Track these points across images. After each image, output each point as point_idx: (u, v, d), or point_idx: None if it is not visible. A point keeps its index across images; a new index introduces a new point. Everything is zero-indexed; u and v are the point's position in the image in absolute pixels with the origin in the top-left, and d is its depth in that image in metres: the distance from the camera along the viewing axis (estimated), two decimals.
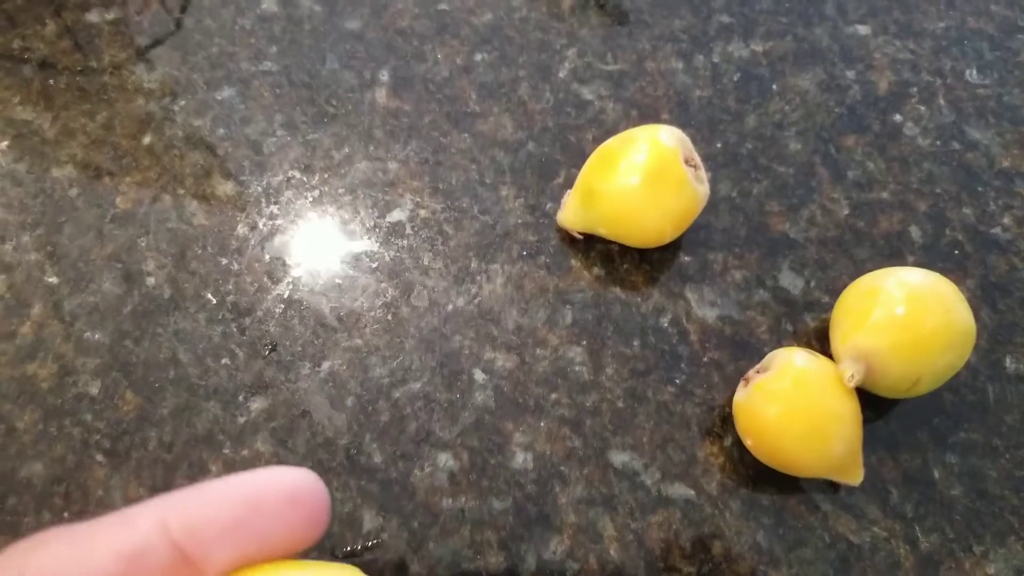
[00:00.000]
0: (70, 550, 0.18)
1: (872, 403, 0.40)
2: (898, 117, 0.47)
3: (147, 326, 0.42)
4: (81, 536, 0.18)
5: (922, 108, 0.47)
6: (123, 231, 0.44)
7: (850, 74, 0.48)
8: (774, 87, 0.48)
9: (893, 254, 0.44)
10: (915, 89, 0.48)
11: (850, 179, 0.46)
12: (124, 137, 0.46)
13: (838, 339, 0.39)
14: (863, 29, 0.49)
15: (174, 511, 0.18)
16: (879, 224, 0.45)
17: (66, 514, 0.39)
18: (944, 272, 0.43)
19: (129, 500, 0.42)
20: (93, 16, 0.50)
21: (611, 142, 0.42)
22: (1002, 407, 0.41)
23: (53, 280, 0.43)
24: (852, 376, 0.37)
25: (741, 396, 0.39)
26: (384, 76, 0.48)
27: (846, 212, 0.45)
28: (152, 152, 0.46)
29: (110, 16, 0.50)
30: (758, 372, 0.39)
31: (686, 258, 0.44)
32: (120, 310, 0.43)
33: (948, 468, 0.40)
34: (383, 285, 0.43)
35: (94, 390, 0.41)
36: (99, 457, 0.40)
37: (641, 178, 0.39)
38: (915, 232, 0.44)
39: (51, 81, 0.48)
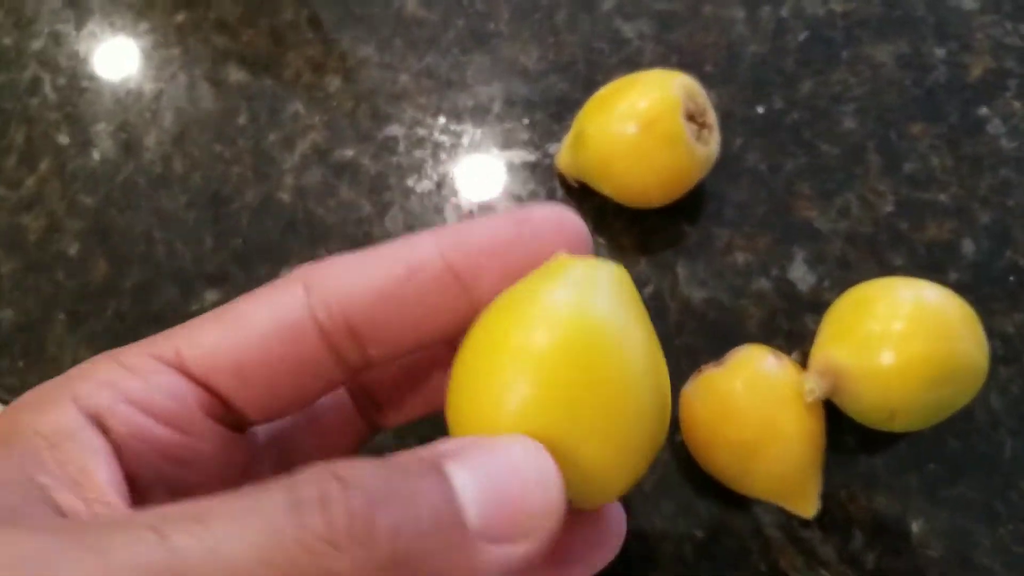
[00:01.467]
0: (355, 263, 0.20)
1: (858, 430, 0.34)
2: (984, 110, 0.40)
3: (133, 198, 0.43)
4: (363, 255, 0.20)
5: (1016, 104, 0.40)
6: (136, 103, 0.45)
7: (940, 52, 0.41)
8: (844, 54, 0.41)
9: (934, 266, 0.38)
10: (1014, 82, 0.40)
11: (905, 172, 0.39)
12: (160, 12, 0.47)
13: (815, 348, 0.34)
14: (970, 3, 0.42)
15: (449, 237, 0.20)
16: (926, 229, 0.38)
17: (21, 363, 0.40)
18: (990, 299, 0.37)
19: (76, 362, 0.42)
20: None
21: (616, 82, 0.38)
22: (1019, 469, 0.35)
23: (64, 140, 0.44)
24: (811, 391, 0.32)
25: (688, 389, 0.34)
26: None
27: (889, 209, 0.39)
28: (182, 31, 0.46)
29: None
30: (716, 365, 0.34)
31: (687, 228, 0.39)
32: (114, 178, 0.43)
33: (931, 524, 0.34)
34: (361, 200, 0.41)
35: (72, 251, 0.42)
36: (61, 316, 0.41)
37: (630, 126, 0.35)
38: (967, 246, 0.38)
39: None
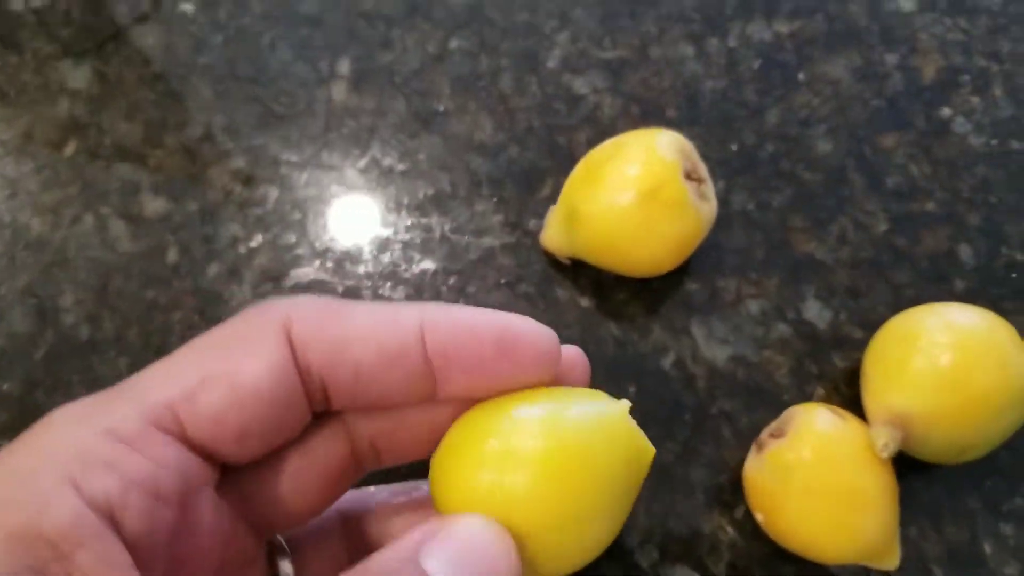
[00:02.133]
0: (338, 333, 0.19)
1: (908, 461, 0.33)
2: (946, 111, 0.40)
3: (61, 373, 0.37)
4: (349, 316, 0.20)
5: (975, 100, 0.40)
6: (38, 259, 0.38)
7: (891, 59, 0.41)
8: (800, 76, 0.40)
9: (939, 278, 0.37)
10: (967, 77, 0.40)
11: (889, 187, 0.38)
12: (44, 146, 0.40)
13: (870, 395, 0.32)
14: (907, 4, 0.42)
15: (434, 329, 0.20)
16: (923, 241, 0.38)
17: None
18: (999, 299, 0.36)
19: None
20: (16, 4, 0.43)
21: (599, 151, 0.35)
22: None
23: None
24: (886, 446, 0.30)
25: (752, 465, 0.32)
26: (343, 68, 0.41)
27: (884, 227, 0.38)
28: (74, 164, 0.40)
29: (35, 4, 0.43)
30: (773, 436, 0.32)
31: (692, 285, 0.37)
32: (31, 354, 0.37)
33: (1002, 542, 0.34)
34: None
35: None
36: None
37: (631, 198, 0.33)
38: (965, 251, 0.37)
39: None
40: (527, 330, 0.21)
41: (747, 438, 0.35)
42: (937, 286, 0.37)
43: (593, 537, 0.21)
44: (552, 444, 0.19)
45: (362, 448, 0.23)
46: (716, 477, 0.35)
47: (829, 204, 0.38)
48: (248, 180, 0.39)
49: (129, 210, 0.39)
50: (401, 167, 0.39)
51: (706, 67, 0.41)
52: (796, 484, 0.30)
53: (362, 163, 0.40)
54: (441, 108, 0.40)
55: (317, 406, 0.21)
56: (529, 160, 0.39)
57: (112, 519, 0.16)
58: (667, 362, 0.36)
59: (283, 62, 0.42)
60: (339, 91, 0.41)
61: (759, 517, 0.32)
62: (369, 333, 0.20)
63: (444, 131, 0.40)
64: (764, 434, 0.33)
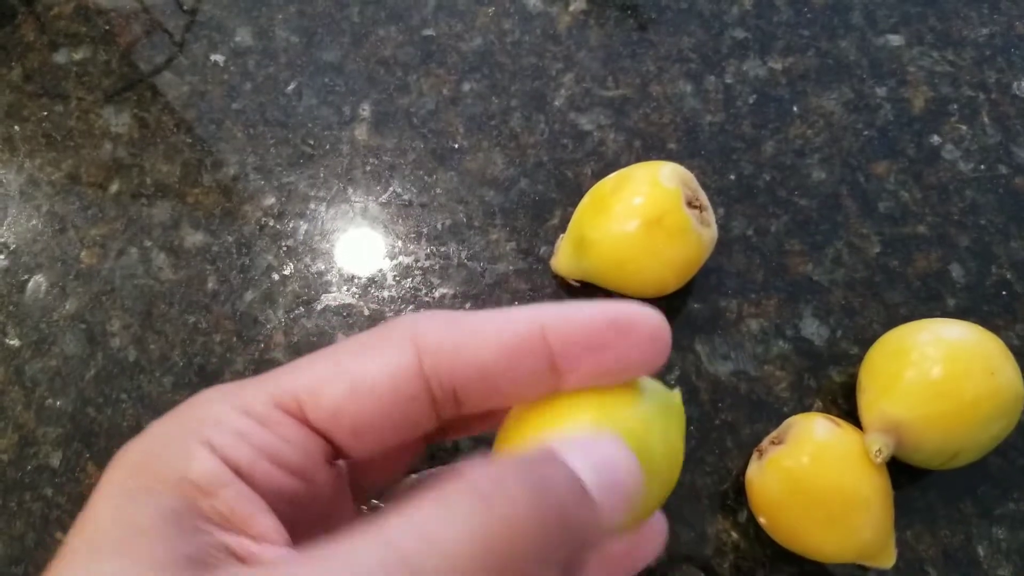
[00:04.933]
0: (464, 337, 0.20)
1: (905, 469, 0.35)
2: (936, 139, 0.43)
3: (110, 392, 0.40)
4: (471, 325, 0.21)
5: (963, 128, 0.43)
6: (87, 288, 0.42)
7: (881, 91, 0.44)
8: (795, 109, 0.44)
9: (931, 297, 0.40)
10: (955, 106, 0.43)
11: (881, 211, 0.41)
12: (90, 186, 0.44)
13: (865, 405, 0.35)
14: (895, 40, 0.45)
15: (553, 321, 0.21)
16: (915, 263, 0.40)
17: None
18: (990, 316, 0.39)
19: None
20: (61, 56, 0.48)
21: (605, 182, 0.38)
22: None
23: (14, 343, 0.41)
24: (879, 451, 0.33)
25: (754, 471, 0.35)
26: (365, 111, 0.45)
27: (877, 250, 0.41)
28: (119, 201, 0.44)
29: (78, 56, 0.47)
30: (773, 443, 0.35)
31: (696, 306, 0.40)
32: (83, 375, 0.40)
33: (995, 544, 0.36)
34: None
35: (55, 462, 0.39)
36: (59, 535, 0.38)
37: (637, 226, 0.36)
38: (956, 271, 0.40)
39: (16, 128, 0.46)
40: (640, 313, 0.22)
41: (749, 447, 0.37)
42: (929, 305, 0.40)
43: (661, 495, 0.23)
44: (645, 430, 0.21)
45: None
46: (720, 484, 0.37)
47: (824, 228, 0.41)
48: (280, 215, 0.43)
49: (170, 243, 0.43)
50: (420, 200, 0.43)
51: (704, 103, 0.44)
52: (796, 488, 0.33)
53: (384, 197, 0.43)
54: (456, 146, 0.44)
55: (447, 410, 0.21)
56: (539, 192, 0.43)
57: (246, 477, 0.19)
58: (672, 377, 0.39)
59: (309, 107, 0.45)
60: (361, 132, 0.44)
61: (761, 520, 0.35)
62: (492, 333, 0.21)
63: (459, 167, 0.43)
64: (765, 442, 0.35)
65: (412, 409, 0.21)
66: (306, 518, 0.21)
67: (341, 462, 0.23)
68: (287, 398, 0.20)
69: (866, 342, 0.38)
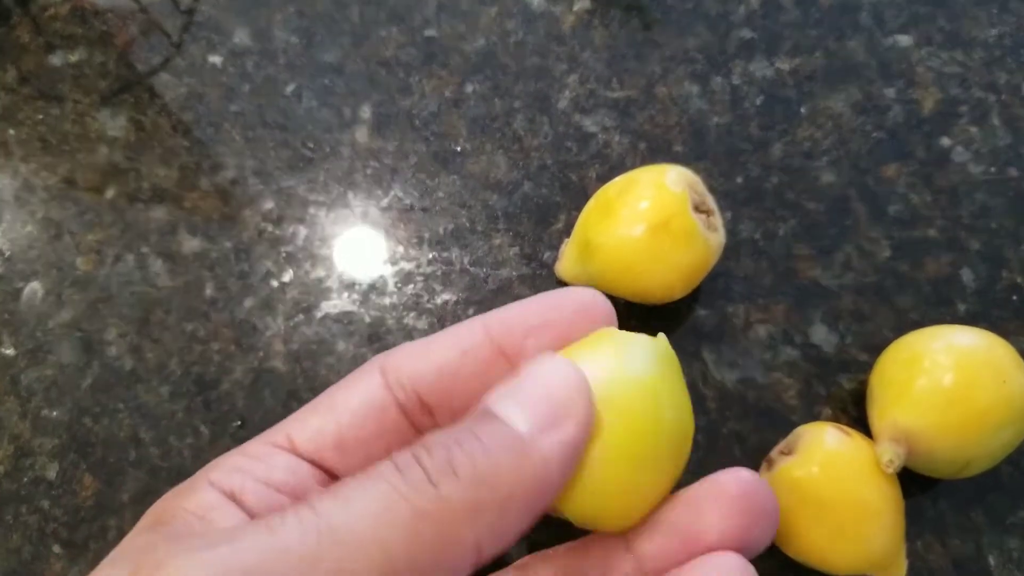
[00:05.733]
0: (419, 349, 0.24)
1: (915, 478, 0.35)
2: (946, 141, 0.42)
3: (107, 402, 0.39)
4: (426, 342, 0.24)
5: (973, 130, 0.42)
6: (83, 295, 0.42)
7: (890, 92, 0.43)
8: (802, 111, 0.43)
9: (942, 302, 0.39)
10: (965, 108, 0.43)
11: (891, 215, 0.41)
12: (86, 191, 0.44)
13: (875, 413, 0.34)
14: (904, 40, 0.44)
15: (495, 321, 0.24)
16: (925, 267, 0.40)
17: None
18: (1001, 322, 0.39)
19: None
20: (56, 59, 0.47)
21: (610, 186, 0.38)
22: None
23: (10, 352, 0.41)
24: (891, 461, 0.32)
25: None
26: (365, 113, 0.45)
27: (887, 254, 0.40)
28: (115, 206, 0.43)
29: (74, 58, 0.47)
30: (783, 453, 0.34)
31: (702, 312, 0.40)
32: (79, 384, 0.40)
33: (1006, 554, 0.35)
34: (362, 350, 0.40)
35: (51, 474, 0.39)
36: (56, 548, 0.37)
37: (643, 230, 0.35)
38: (967, 275, 0.40)
39: (11, 131, 0.45)
40: (568, 291, 0.25)
41: (757, 457, 0.37)
42: (940, 310, 0.39)
43: (660, 479, 0.23)
44: (623, 392, 0.22)
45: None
46: None
47: (833, 232, 0.41)
48: (279, 220, 0.42)
49: (168, 249, 0.42)
50: (422, 205, 0.42)
51: (711, 104, 0.44)
52: (806, 499, 0.33)
53: (385, 202, 0.43)
54: (459, 149, 0.43)
55: (421, 417, 0.24)
56: (543, 196, 0.42)
57: (237, 500, 0.21)
58: None
59: (308, 109, 0.45)
60: (362, 135, 0.44)
61: None
62: (442, 339, 0.24)
63: (462, 170, 0.43)
64: (774, 452, 0.35)
65: (386, 420, 0.24)
66: None
67: None
68: (280, 437, 0.24)
69: (876, 348, 0.37)
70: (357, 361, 0.39)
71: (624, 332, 0.24)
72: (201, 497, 0.21)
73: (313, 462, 0.23)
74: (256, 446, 0.23)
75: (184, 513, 0.21)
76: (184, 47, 0.47)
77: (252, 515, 0.21)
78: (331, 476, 0.24)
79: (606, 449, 0.21)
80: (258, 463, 0.23)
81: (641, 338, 0.24)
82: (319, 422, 0.24)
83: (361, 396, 0.24)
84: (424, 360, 0.24)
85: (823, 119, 0.43)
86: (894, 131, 0.43)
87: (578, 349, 0.23)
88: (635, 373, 0.22)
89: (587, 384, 0.21)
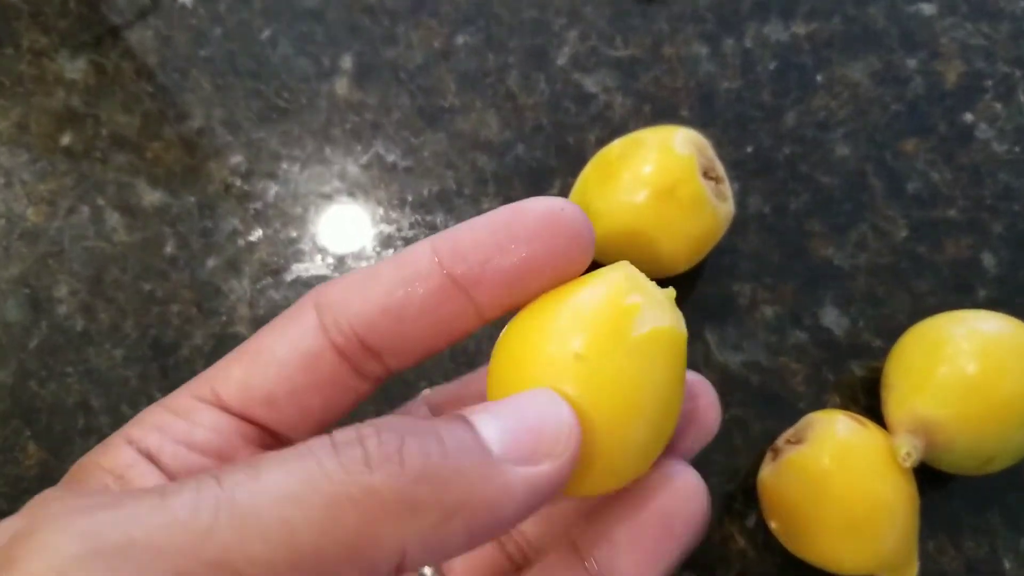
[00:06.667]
0: (359, 283, 0.20)
1: (929, 475, 0.33)
2: (969, 117, 0.40)
3: (55, 364, 0.37)
4: (367, 273, 0.21)
5: (998, 106, 0.40)
6: (32, 249, 0.39)
7: (911, 63, 0.41)
8: (818, 78, 0.41)
9: (961, 287, 0.37)
10: (990, 82, 0.41)
11: (909, 193, 0.39)
12: (40, 137, 0.41)
13: (892, 402, 0.32)
14: (927, 8, 0.42)
15: (444, 244, 0.20)
16: (944, 249, 0.38)
17: None
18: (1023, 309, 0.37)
19: None
20: None
21: (612, 147, 0.35)
22: None
23: None
24: (908, 455, 0.30)
25: (768, 471, 0.32)
26: (346, 63, 0.42)
27: (904, 234, 0.38)
28: (71, 155, 0.40)
29: None
30: (790, 442, 0.32)
31: (706, 290, 0.37)
32: (25, 344, 0.37)
33: (1022, 557, 0.34)
34: None
35: None
36: None
37: (648, 196, 0.33)
38: (988, 259, 0.38)
39: None
40: (530, 203, 0.20)
41: (760, 446, 0.35)
42: (959, 295, 0.37)
43: (654, 435, 0.20)
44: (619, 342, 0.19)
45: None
46: (727, 485, 0.34)
47: (848, 209, 0.38)
48: (247, 174, 0.40)
49: (126, 202, 0.39)
50: (405, 164, 0.40)
51: (721, 67, 0.41)
52: (814, 492, 0.30)
53: (364, 159, 0.40)
54: (447, 105, 0.41)
55: (367, 364, 0.21)
56: (537, 159, 0.40)
57: (154, 461, 0.19)
58: None
59: (284, 56, 0.42)
60: (342, 86, 0.41)
61: (773, 525, 0.32)
62: (384, 269, 0.20)
63: (450, 128, 0.40)
64: (780, 440, 0.33)
65: (321, 367, 0.21)
66: None
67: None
68: (205, 390, 0.21)
69: (890, 334, 0.35)
70: None
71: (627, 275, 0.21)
72: (117, 455, 0.19)
73: (243, 417, 0.21)
74: (181, 399, 0.21)
75: (99, 471, 0.19)
76: None
77: (171, 478, 0.20)
78: (267, 433, 0.21)
79: (598, 422, 0.19)
80: (179, 421, 0.20)
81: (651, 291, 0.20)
82: (244, 373, 0.21)
83: (292, 342, 0.21)
84: (364, 296, 0.20)
85: (840, 88, 0.41)
86: (914, 104, 0.40)
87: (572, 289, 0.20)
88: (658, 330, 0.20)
89: (579, 435, 0.18)
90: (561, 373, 0.19)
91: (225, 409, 0.21)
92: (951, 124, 0.40)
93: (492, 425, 0.18)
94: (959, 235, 0.38)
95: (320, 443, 0.16)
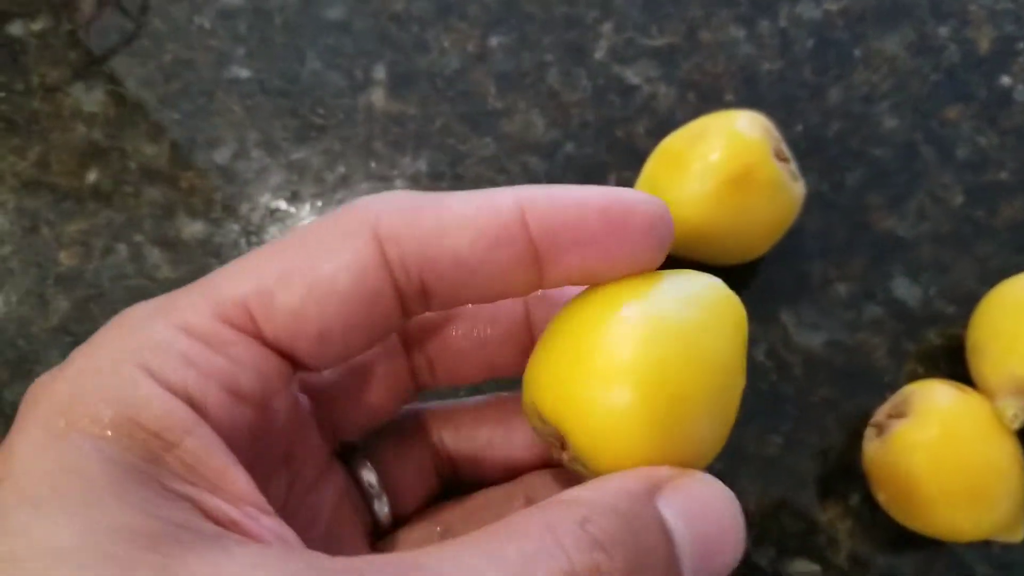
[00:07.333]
0: (429, 222, 0.18)
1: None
2: (1006, 80, 0.41)
3: None
4: (436, 207, 0.18)
5: None
6: (70, 294, 0.37)
7: (943, 31, 0.42)
8: (856, 53, 0.41)
9: (1021, 248, 0.38)
10: (1021, 45, 0.42)
11: (960, 158, 0.39)
12: (63, 175, 0.39)
13: (987, 366, 0.33)
14: None
15: (533, 205, 0.19)
16: (1000, 212, 0.38)
17: None
18: None
19: None
20: (16, 28, 0.42)
21: (675, 138, 0.35)
22: None
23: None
24: (1016, 416, 0.31)
25: (875, 447, 0.32)
26: (379, 74, 0.41)
27: (960, 200, 0.39)
28: (99, 192, 0.39)
29: (37, 27, 0.42)
30: (892, 416, 0.32)
31: (777, 272, 0.37)
32: None
33: None
34: None
35: None
36: None
37: (723, 183, 0.33)
38: None
39: None
40: (637, 199, 0.19)
41: (852, 423, 0.35)
42: (1020, 256, 0.38)
43: (718, 425, 0.20)
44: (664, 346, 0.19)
45: (420, 363, 0.23)
46: (826, 466, 0.34)
47: (903, 180, 0.39)
48: (292, 196, 0.39)
49: (165, 235, 0.38)
50: (454, 172, 0.39)
51: (759, 49, 0.41)
52: (928, 463, 0.31)
53: (412, 170, 0.39)
54: (489, 108, 0.40)
55: (415, 306, 0.20)
56: (587, 156, 0.39)
57: (202, 413, 0.16)
58: (760, 352, 0.36)
59: (314, 72, 0.41)
60: (378, 98, 0.41)
61: (881, 497, 0.32)
62: (466, 218, 0.19)
63: (495, 132, 0.40)
64: (881, 415, 0.33)
65: (378, 308, 0.19)
66: (262, 456, 0.19)
67: (304, 397, 0.21)
68: (235, 310, 0.17)
69: (963, 299, 0.36)
70: None
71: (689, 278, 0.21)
72: (158, 406, 0.15)
73: (284, 355, 0.18)
74: (203, 319, 0.17)
75: (140, 434, 0.15)
76: (164, 8, 0.43)
77: (227, 443, 0.16)
78: (293, 365, 0.19)
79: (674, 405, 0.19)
80: (216, 355, 0.17)
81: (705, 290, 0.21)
82: (295, 302, 0.18)
83: (353, 274, 0.18)
84: (440, 243, 0.18)
85: (879, 61, 0.41)
86: (952, 71, 0.41)
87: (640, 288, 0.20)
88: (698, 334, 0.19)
89: (743, 541, 0.18)
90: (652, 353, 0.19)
91: (267, 343, 0.18)
92: (990, 89, 0.41)
93: (684, 536, 0.17)
94: (1012, 197, 0.39)
95: (542, 534, 0.15)
